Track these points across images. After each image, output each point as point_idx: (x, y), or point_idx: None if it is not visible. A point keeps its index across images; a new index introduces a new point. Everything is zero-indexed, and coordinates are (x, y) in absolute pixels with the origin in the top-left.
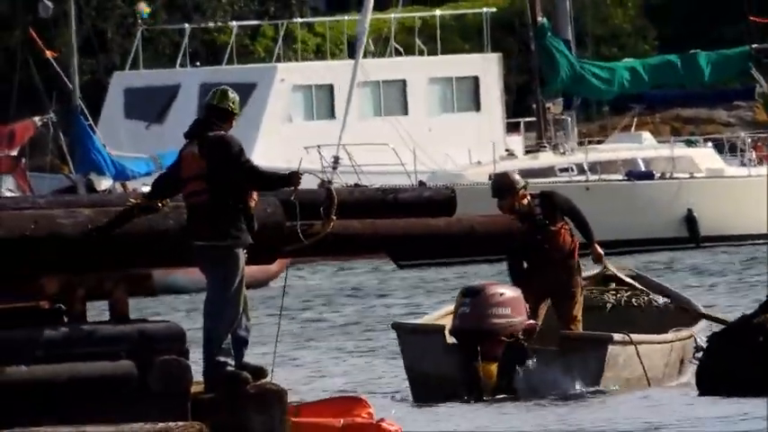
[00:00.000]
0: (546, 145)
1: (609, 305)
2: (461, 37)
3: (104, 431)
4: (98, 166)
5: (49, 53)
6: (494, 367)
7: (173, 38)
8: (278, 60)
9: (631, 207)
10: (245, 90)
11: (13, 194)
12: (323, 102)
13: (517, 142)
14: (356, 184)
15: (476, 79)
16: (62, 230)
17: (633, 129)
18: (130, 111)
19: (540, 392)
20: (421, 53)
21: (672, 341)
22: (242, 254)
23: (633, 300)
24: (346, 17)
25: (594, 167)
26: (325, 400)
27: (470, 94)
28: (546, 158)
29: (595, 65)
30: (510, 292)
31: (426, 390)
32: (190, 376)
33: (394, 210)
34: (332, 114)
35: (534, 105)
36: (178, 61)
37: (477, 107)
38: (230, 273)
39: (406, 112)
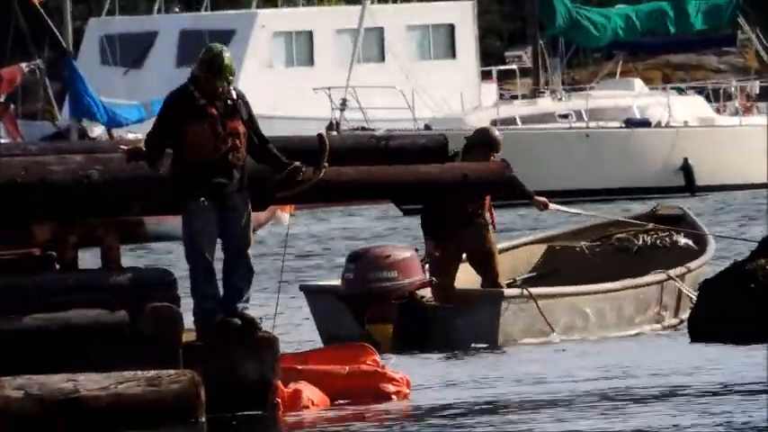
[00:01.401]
0: (544, 91)
1: (635, 247)
2: None
3: (96, 379)
4: (91, 112)
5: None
6: (387, 328)
7: None
8: (259, 7)
9: (629, 155)
10: (225, 37)
11: (2, 141)
12: (303, 48)
13: (490, 90)
14: (362, 128)
15: (451, 27)
16: (53, 177)
17: (618, 75)
18: (106, 57)
19: (439, 348)
20: (395, 1)
21: (608, 290)
22: (196, 204)
23: (658, 241)
24: None
25: (590, 114)
26: (332, 348)
27: (446, 41)
28: (544, 104)
29: (591, 11)
30: (398, 253)
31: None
32: (181, 324)
33: (387, 156)
34: (311, 61)
35: (530, 51)
36: (155, 7)
37: (453, 55)
38: (183, 222)
39: (383, 60)
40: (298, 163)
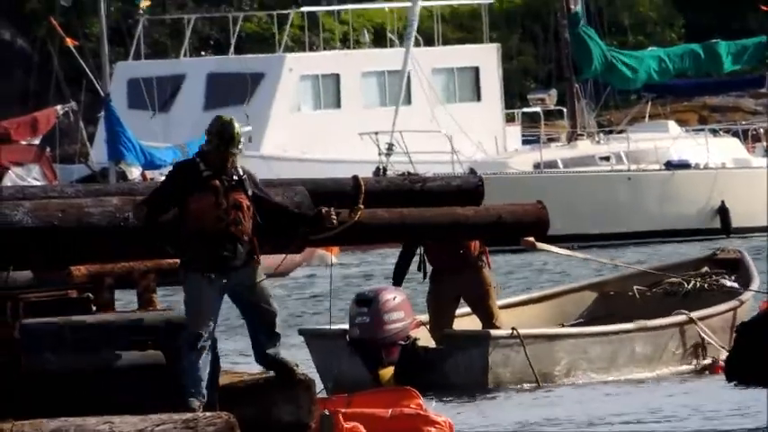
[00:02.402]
0: (582, 134)
1: (683, 291)
2: (460, 27)
3: (132, 421)
4: (128, 154)
5: (69, 41)
6: (389, 371)
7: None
8: (289, 50)
9: (670, 197)
10: (254, 80)
11: (38, 183)
12: (330, 91)
13: (514, 133)
14: (408, 172)
15: (476, 70)
16: (90, 219)
17: (647, 117)
18: (134, 101)
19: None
20: (417, 44)
21: (606, 333)
22: (197, 278)
23: (706, 284)
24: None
25: (629, 157)
26: (377, 391)
27: (471, 84)
28: (584, 147)
29: (624, 53)
30: (399, 295)
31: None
32: (218, 366)
33: (422, 199)
34: (338, 104)
35: (554, 93)
36: (182, 51)
37: (478, 97)
38: (185, 292)
39: (409, 102)
40: (324, 208)
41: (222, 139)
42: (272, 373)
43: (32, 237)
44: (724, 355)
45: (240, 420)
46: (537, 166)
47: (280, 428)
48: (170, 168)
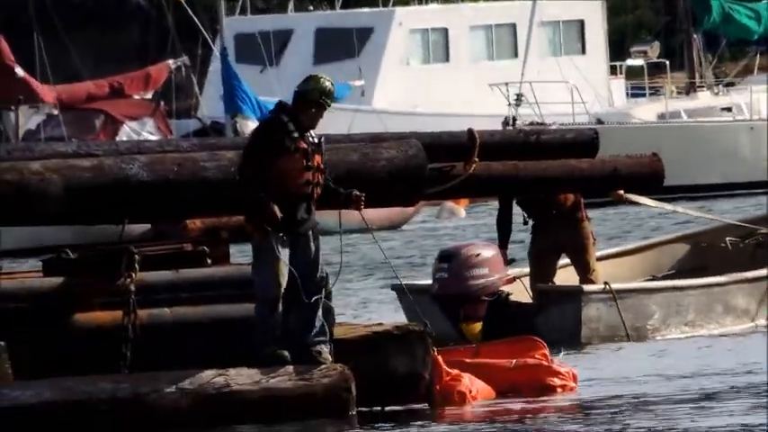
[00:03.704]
0: (703, 85)
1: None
2: None
3: (248, 373)
4: (245, 107)
5: None
6: (477, 326)
7: None
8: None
9: None
10: (363, 34)
11: (154, 138)
12: (439, 45)
13: (619, 86)
14: (537, 123)
15: (581, 23)
16: (205, 174)
17: (755, 71)
18: (241, 56)
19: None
20: None
21: (704, 285)
22: (271, 237)
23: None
24: None
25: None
26: (504, 341)
27: (577, 37)
28: (705, 99)
29: (741, 5)
30: (486, 251)
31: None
32: (332, 318)
33: (536, 151)
34: (446, 58)
35: (655, 46)
36: (288, 7)
37: (583, 50)
38: (256, 256)
39: (516, 56)
40: (355, 192)
41: (317, 102)
42: (387, 325)
43: (148, 191)
44: None
45: (355, 372)
46: (662, 116)
47: (394, 379)
48: (258, 127)
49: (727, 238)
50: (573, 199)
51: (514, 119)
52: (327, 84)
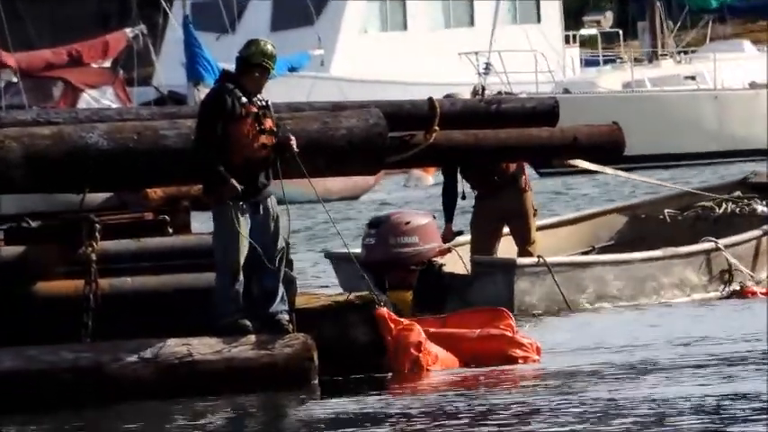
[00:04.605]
0: (666, 54)
1: (714, 216)
2: None
3: (210, 342)
4: (207, 75)
5: None
6: (408, 294)
7: None
8: None
9: (753, 116)
10: (320, 2)
11: (113, 106)
12: (397, 13)
13: (574, 55)
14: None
15: None
16: (165, 142)
17: (708, 39)
18: (198, 23)
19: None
20: None
21: (636, 260)
22: (235, 208)
23: (738, 209)
24: None
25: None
26: (471, 311)
27: (532, 5)
28: (668, 67)
29: None
30: (417, 219)
31: None
32: (294, 288)
33: (497, 120)
34: (404, 26)
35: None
36: None
37: (538, 19)
38: (216, 226)
39: (473, 24)
40: (289, 136)
41: (259, 64)
42: (349, 295)
43: (108, 159)
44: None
45: (317, 341)
46: (628, 84)
47: (356, 349)
48: (206, 98)
49: (666, 210)
50: (515, 167)
51: (483, 88)
52: (269, 47)
